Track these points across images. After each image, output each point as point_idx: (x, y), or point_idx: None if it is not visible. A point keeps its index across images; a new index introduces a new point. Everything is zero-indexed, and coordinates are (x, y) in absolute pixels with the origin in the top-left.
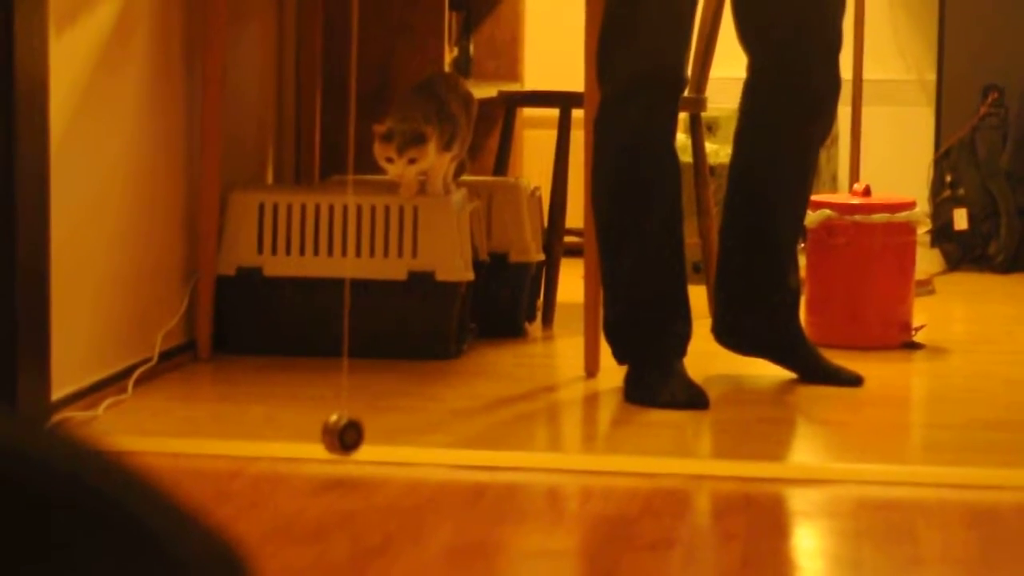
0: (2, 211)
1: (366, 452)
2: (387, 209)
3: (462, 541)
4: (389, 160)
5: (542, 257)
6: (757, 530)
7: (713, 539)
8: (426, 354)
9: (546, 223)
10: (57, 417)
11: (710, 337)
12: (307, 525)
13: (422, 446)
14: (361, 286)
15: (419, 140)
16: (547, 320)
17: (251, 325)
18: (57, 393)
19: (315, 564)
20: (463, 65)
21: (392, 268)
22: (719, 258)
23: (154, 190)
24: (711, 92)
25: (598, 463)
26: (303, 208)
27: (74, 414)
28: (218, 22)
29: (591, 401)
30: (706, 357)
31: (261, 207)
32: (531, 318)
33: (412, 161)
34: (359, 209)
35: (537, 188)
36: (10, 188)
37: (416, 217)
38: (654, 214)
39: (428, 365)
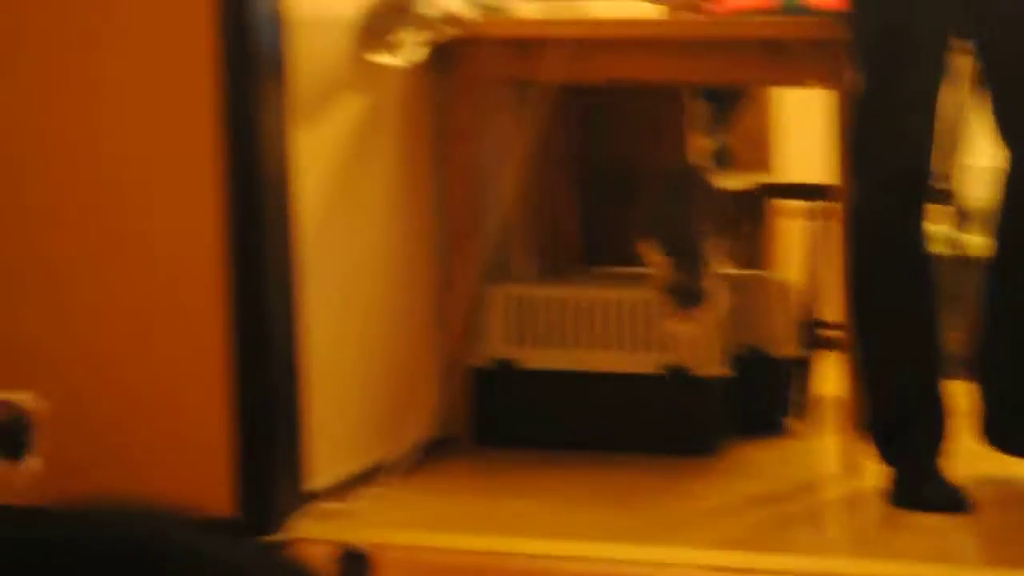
0: (253, 307)
1: (619, 550)
2: (642, 303)
3: None
4: (668, 314)
5: (798, 351)
6: None
7: None
8: (682, 450)
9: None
10: (312, 509)
11: (978, 436)
12: None
13: (677, 545)
14: (616, 380)
15: (696, 300)
16: (805, 416)
17: (507, 417)
18: (312, 485)
19: None
20: (723, 156)
21: (647, 362)
22: (983, 354)
23: (405, 283)
24: (959, 182)
25: (860, 568)
26: (558, 301)
27: (329, 505)
28: (466, 115)
29: (851, 502)
30: (976, 457)
31: (516, 299)
32: (788, 414)
33: (690, 318)
34: (613, 302)
35: (791, 281)
36: (261, 286)
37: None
38: (909, 309)
39: (684, 461)
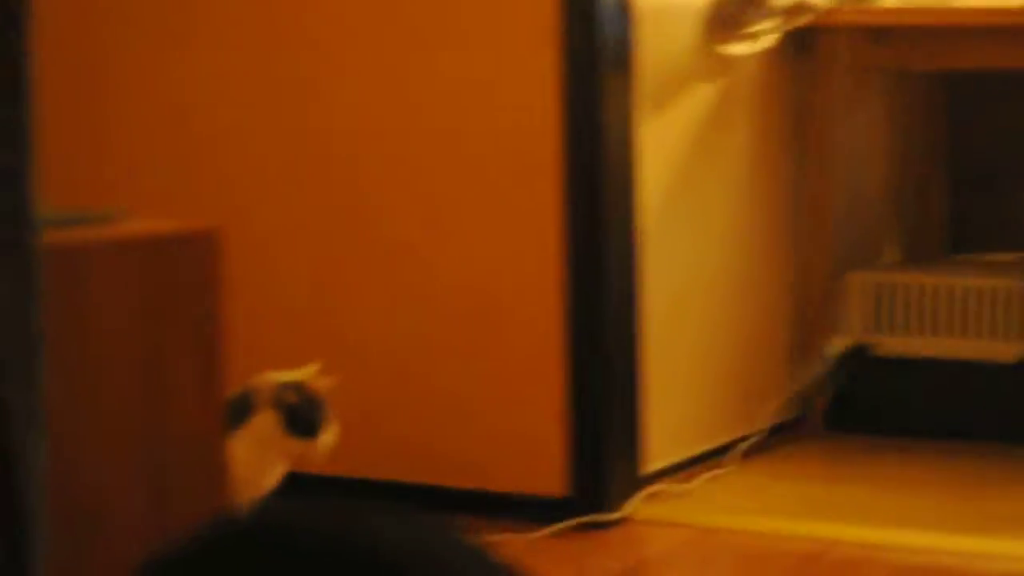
0: (591, 292)
1: (954, 541)
2: (1003, 291)
3: None
4: None
5: None
6: None
7: None
8: None
9: None
10: (649, 490)
11: None
12: None
13: (1013, 538)
14: (974, 368)
15: None
16: None
17: (862, 403)
18: (649, 467)
19: None
20: None
21: (1006, 351)
22: None
23: (757, 270)
24: None
25: None
26: (917, 288)
27: (667, 487)
28: (824, 102)
29: None
30: None
31: (876, 286)
32: None
33: None
34: (973, 290)
35: None
36: (600, 273)
37: None
38: None
39: None
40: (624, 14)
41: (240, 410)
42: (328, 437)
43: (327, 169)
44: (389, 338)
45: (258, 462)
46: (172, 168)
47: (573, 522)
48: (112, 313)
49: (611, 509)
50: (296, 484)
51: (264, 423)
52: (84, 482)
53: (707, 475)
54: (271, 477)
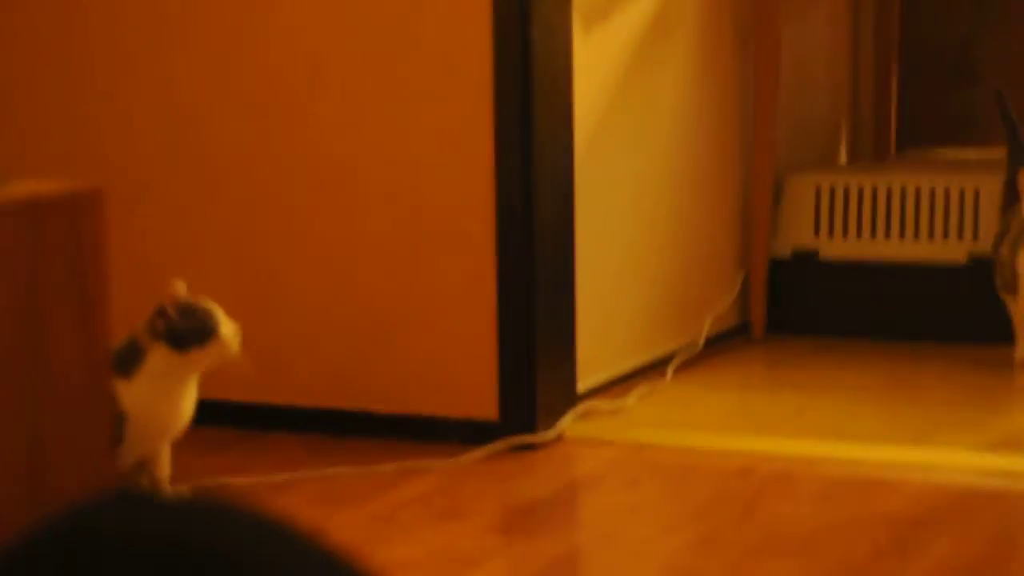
0: (521, 206)
1: (883, 452)
2: (947, 191)
3: (950, 566)
4: None
5: None
6: None
7: None
8: (983, 341)
9: None
10: (581, 408)
11: None
12: (798, 536)
13: (951, 446)
14: (918, 270)
15: None
16: None
17: (806, 309)
18: (585, 385)
19: None
20: None
21: (952, 251)
22: None
23: (701, 175)
24: None
25: None
26: (859, 191)
27: (600, 405)
28: (773, 4)
29: None
30: None
31: (818, 189)
32: None
33: None
34: (917, 191)
35: None
36: (531, 184)
37: (978, 199)
38: None
39: (985, 352)
40: None
41: (131, 356)
42: (223, 334)
43: (259, 80)
44: (315, 261)
45: (167, 395)
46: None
47: (503, 444)
48: None
49: (542, 430)
50: (224, 414)
51: (153, 357)
52: None
53: (642, 389)
54: (179, 409)
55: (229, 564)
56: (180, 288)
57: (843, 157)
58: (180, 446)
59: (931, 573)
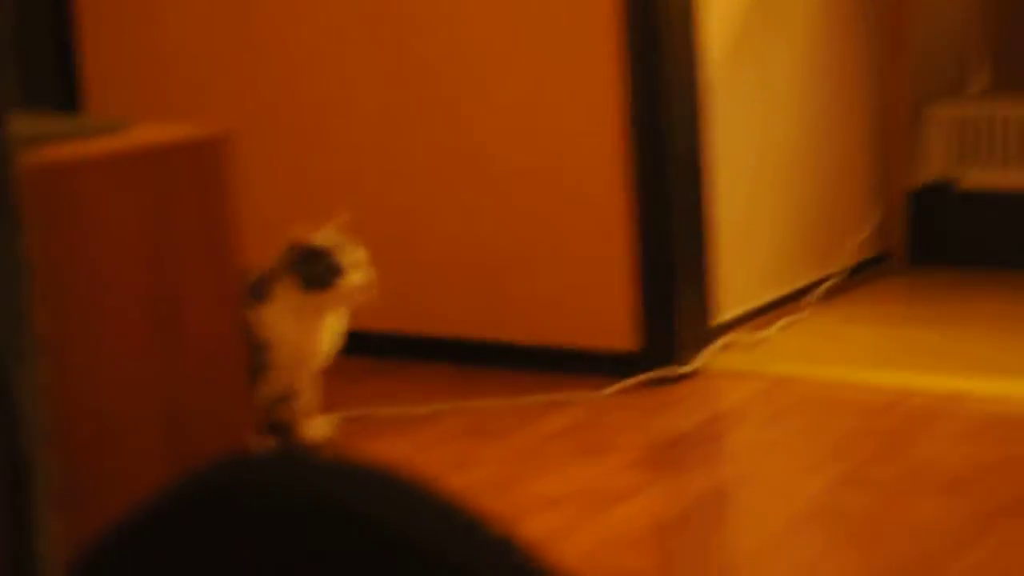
0: (654, 137)
1: (1016, 387)
2: None
3: None
4: None
5: None
6: None
7: None
8: None
9: None
10: (722, 341)
11: None
12: (945, 473)
13: None
14: None
15: None
16: None
17: (946, 239)
18: (727, 315)
19: (929, 522)
20: None
21: None
22: None
23: (836, 105)
24: None
25: None
26: (1000, 119)
27: (740, 337)
28: None
29: None
30: None
31: (958, 119)
32: None
33: None
34: None
35: None
36: (663, 112)
37: None
38: None
39: None
40: None
41: (264, 287)
42: (351, 279)
43: (392, 41)
44: (452, 196)
45: (303, 327)
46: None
47: (644, 377)
48: (115, 228)
49: (683, 362)
50: (365, 344)
51: (284, 290)
52: (96, 410)
53: (783, 322)
54: (316, 340)
55: (391, 530)
56: (309, 231)
57: (983, 84)
58: (324, 375)
59: None
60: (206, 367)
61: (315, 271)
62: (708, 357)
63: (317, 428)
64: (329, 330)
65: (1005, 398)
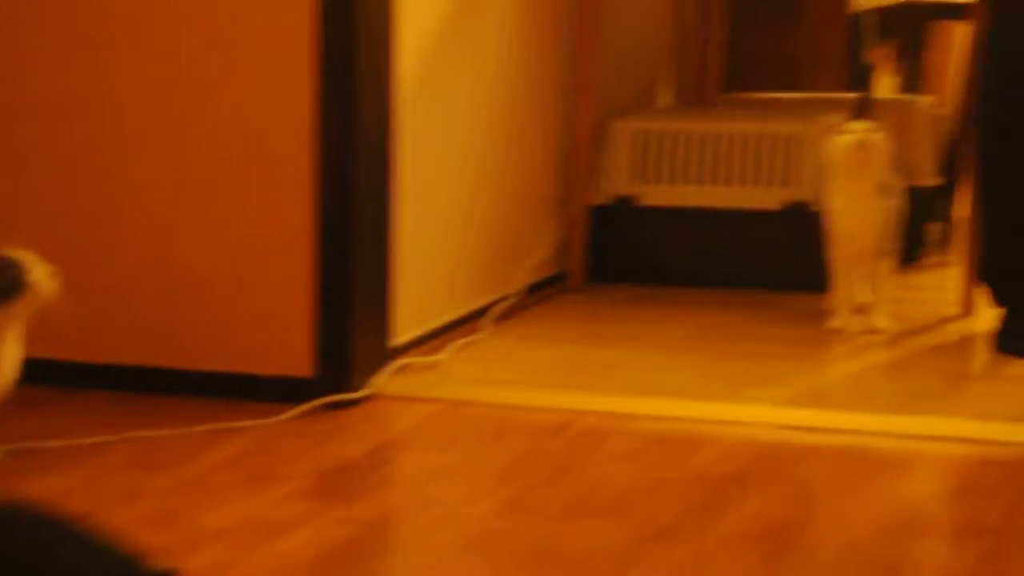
0: (339, 154)
1: (694, 407)
2: (762, 137)
3: (757, 523)
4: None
5: (936, 182)
6: None
7: None
8: (798, 286)
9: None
10: (396, 363)
11: None
12: (608, 496)
13: (759, 401)
14: (734, 216)
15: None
16: (945, 245)
17: (626, 255)
18: (403, 338)
19: (592, 546)
20: None
21: (766, 198)
22: None
23: (521, 126)
24: None
25: (927, 427)
26: (678, 136)
27: (416, 360)
28: None
29: (954, 348)
30: None
31: (638, 135)
32: (925, 243)
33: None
34: (733, 137)
35: (941, 107)
36: (349, 132)
37: (792, 146)
38: None
39: (795, 300)
40: None
41: None
42: (34, 285)
43: (84, 58)
44: (130, 218)
45: None
46: None
47: (317, 403)
48: None
49: (358, 387)
50: (40, 372)
51: None
52: None
53: (459, 343)
54: (6, 366)
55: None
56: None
57: (668, 101)
58: None
59: (741, 531)
60: None
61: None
62: (382, 381)
63: None
64: (9, 358)
65: (670, 416)
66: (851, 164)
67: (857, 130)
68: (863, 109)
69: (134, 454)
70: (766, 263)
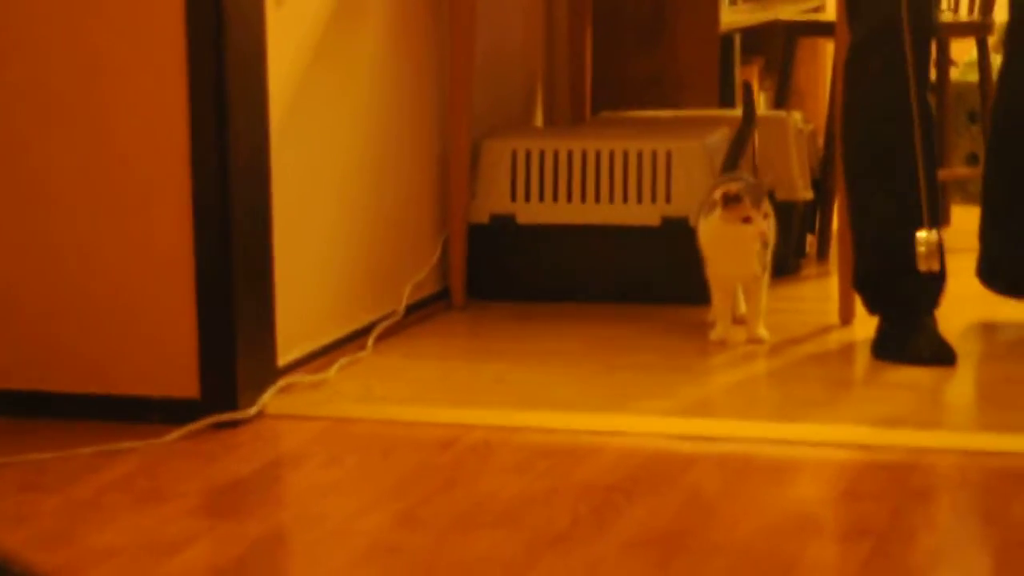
0: (217, 177)
1: (579, 419)
2: (640, 154)
3: (647, 530)
4: (747, 220)
5: (810, 195)
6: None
7: (913, 529)
8: (677, 301)
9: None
10: (282, 382)
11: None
12: (499, 507)
13: (644, 412)
14: (614, 233)
15: (763, 195)
16: (822, 257)
17: (504, 273)
18: (287, 357)
19: (486, 555)
20: None
21: (646, 214)
22: (985, 190)
23: (398, 147)
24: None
25: (812, 433)
26: (556, 154)
27: (300, 379)
28: None
29: (835, 356)
30: (969, 301)
31: (514, 154)
32: (801, 255)
33: (766, 216)
34: (612, 155)
35: (810, 123)
36: (226, 154)
37: (670, 162)
38: (900, 168)
39: (677, 312)
40: None
41: None
42: None
43: None
44: (7, 240)
45: None
46: None
47: (204, 423)
48: None
49: (244, 406)
50: None
51: None
52: None
53: (343, 361)
54: None
55: None
56: None
57: (540, 121)
58: None
59: (633, 537)
60: None
61: None
62: (268, 400)
63: None
64: None
65: (556, 429)
66: (725, 224)
67: (730, 188)
68: (748, 123)
69: (22, 477)
70: (648, 277)
